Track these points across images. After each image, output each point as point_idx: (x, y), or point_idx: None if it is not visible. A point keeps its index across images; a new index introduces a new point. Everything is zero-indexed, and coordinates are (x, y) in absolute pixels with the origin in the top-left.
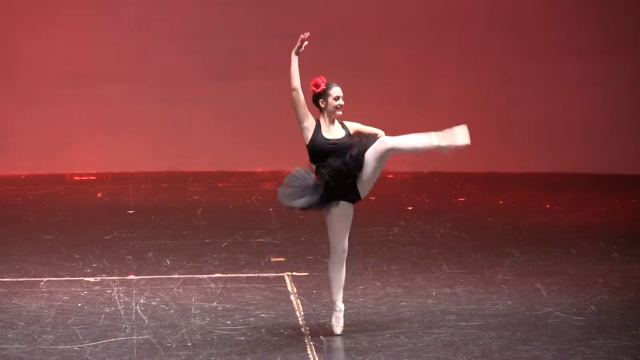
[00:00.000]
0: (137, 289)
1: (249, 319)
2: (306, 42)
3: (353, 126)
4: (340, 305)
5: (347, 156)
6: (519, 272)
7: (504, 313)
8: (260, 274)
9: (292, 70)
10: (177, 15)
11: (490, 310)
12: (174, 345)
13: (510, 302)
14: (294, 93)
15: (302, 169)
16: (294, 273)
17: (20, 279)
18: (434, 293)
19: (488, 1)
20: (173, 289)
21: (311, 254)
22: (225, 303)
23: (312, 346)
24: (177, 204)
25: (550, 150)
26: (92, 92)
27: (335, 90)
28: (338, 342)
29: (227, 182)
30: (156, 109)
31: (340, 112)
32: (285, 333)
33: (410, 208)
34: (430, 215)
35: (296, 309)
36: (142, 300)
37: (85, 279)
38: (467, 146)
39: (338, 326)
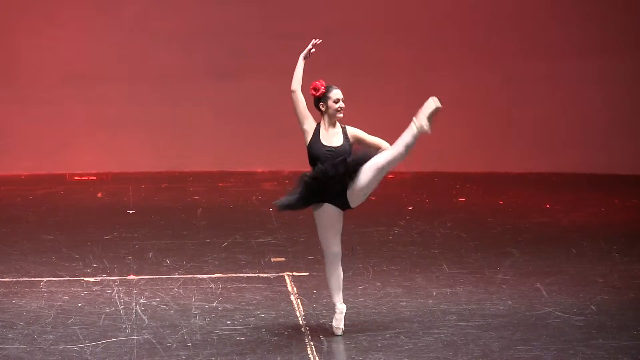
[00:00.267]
0: (137, 289)
1: (249, 319)
2: (313, 50)
3: (355, 133)
4: (340, 307)
5: (339, 160)
6: (519, 272)
7: (504, 313)
8: (261, 274)
9: (295, 72)
10: (177, 15)
11: (490, 310)
12: (174, 345)
13: (510, 302)
14: (292, 95)
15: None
16: (294, 273)
17: (21, 279)
18: (434, 293)
19: (488, 1)
20: (173, 289)
21: (311, 254)
22: (226, 303)
23: (312, 346)
24: (177, 204)
25: (550, 150)
26: (92, 92)
27: (335, 93)
28: (338, 342)
29: (227, 182)
30: (156, 109)
31: (341, 115)
32: (286, 333)
33: (410, 208)
34: (430, 215)
35: (296, 309)
36: (142, 300)
37: (86, 279)
38: (439, 109)
39: (338, 328)
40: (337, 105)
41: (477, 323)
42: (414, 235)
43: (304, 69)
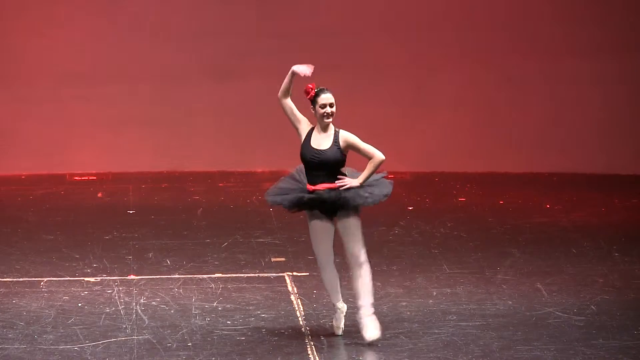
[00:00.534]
0: (138, 289)
1: (250, 319)
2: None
3: (348, 139)
4: (340, 306)
5: (330, 194)
6: (520, 272)
7: (504, 313)
8: (261, 274)
9: (284, 82)
10: (177, 15)
11: (490, 310)
12: (174, 345)
13: (510, 302)
14: (279, 103)
15: (298, 170)
16: (295, 273)
17: (21, 279)
18: (435, 293)
19: (488, 1)
20: (173, 289)
21: (311, 254)
22: (226, 303)
23: (313, 346)
24: (178, 204)
25: (550, 150)
26: (92, 92)
27: (323, 98)
28: (338, 342)
29: (227, 182)
30: (156, 108)
31: (329, 120)
32: (286, 333)
33: (410, 208)
34: (430, 215)
35: (296, 309)
36: (142, 300)
37: (86, 279)
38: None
39: (339, 327)
40: (322, 111)
41: (477, 323)
42: (414, 235)
43: (293, 80)
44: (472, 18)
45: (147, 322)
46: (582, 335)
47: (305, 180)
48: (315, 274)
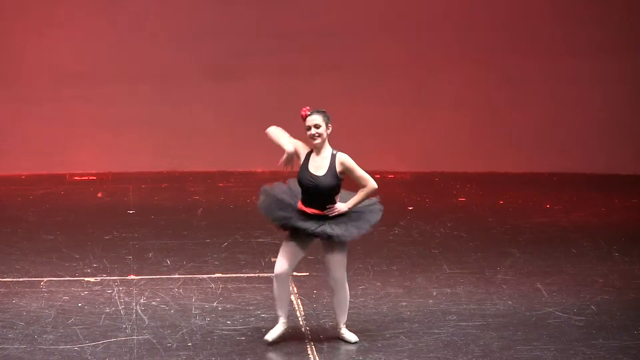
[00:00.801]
0: (138, 289)
1: (250, 319)
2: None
3: (345, 162)
4: (283, 320)
5: (318, 229)
6: (520, 272)
7: (504, 313)
8: (261, 274)
9: (277, 134)
10: (177, 15)
11: (490, 310)
12: (174, 345)
13: (510, 302)
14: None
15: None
16: (295, 273)
17: (21, 279)
18: (435, 293)
19: (488, 1)
20: (173, 289)
21: (311, 253)
22: (226, 303)
23: (313, 346)
24: (178, 203)
25: (550, 150)
26: (92, 92)
27: (308, 120)
28: (338, 342)
29: (227, 182)
30: (156, 108)
31: (316, 141)
32: (286, 333)
33: (410, 208)
34: (430, 215)
35: (297, 309)
36: (142, 300)
37: (86, 279)
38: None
39: (272, 336)
40: (308, 133)
41: (477, 323)
42: (414, 235)
43: (278, 136)
44: (472, 18)
45: (147, 322)
46: (582, 335)
47: (299, 196)
48: (315, 273)
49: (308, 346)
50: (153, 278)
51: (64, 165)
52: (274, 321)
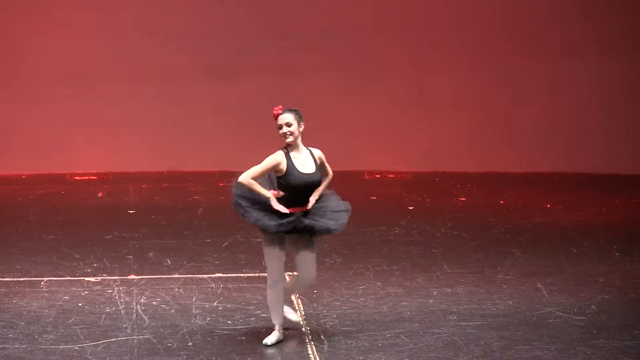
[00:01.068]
0: (138, 288)
1: (250, 318)
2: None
3: (322, 156)
4: (279, 328)
5: (311, 222)
6: (520, 271)
7: (504, 313)
8: (261, 274)
9: (255, 183)
10: (177, 15)
11: (491, 310)
12: (175, 345)
13: (511, 302)
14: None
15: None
16: (295, 273)
17: (21, 279)
18: (435, 293)
19: (488, 1)
20: (174, 288)
21: None
22: (226, 303)
23: (313, 346)
24: (178, 203)
25: (550, 150)
26: (92, 92)
27: (279, 119)
28: (339, 342)
29: (228, 182)
30: (156, 108)
31: (288, 139)
32: (286, 333)
33: (411, 208)
34: (431, 215)
35: (297, 308)
36: (142, 300)
37: (86, 278)
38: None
39: (271, 341)
40: (280, 132)
41: (477, 323)
42: (414, 235)
43: (252, 185)
44: (472, 18)
45: (147, 322)
46: (582, 335)
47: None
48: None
49: (308, 346)
50: (153, 278)
51: (65, 165)
52: None
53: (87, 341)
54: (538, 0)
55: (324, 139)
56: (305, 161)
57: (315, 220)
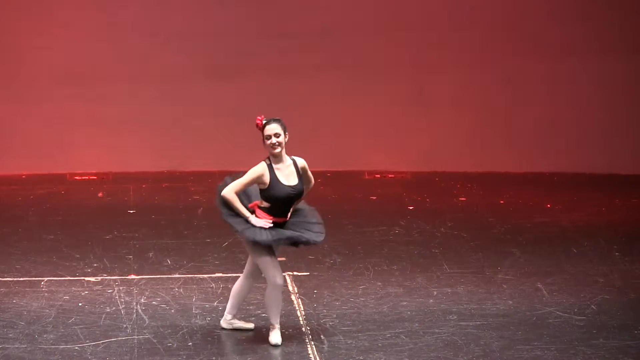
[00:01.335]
0: (138, 288)
1: (250, 319)
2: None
3: (305, 166)
4: (277, 327)
5: (302, 235)
6: (520, 271)
7: (504, 313)
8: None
9: (237, 204)
10: (177, 15)
11: (491, 310)
12: (175, 345)
13: (511, 302)
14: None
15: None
16: (295, 273)
17: (21, 279)
18: (435, 293)
19: (488, 1)
20: (174, 288)
21: (312, 253)
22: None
23: (313, 346)
24: (178, 203)
25: (550, 150)
26: (92, 92)
27: (267, 129)
28: (339, 342)
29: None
30: (156, 108)
31: (277, 150)
32: (286, 333)
33: (411, 208)
34: (431, 215)
35: (297, 308)
36: (142, 300)
37: (86, 278)
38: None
39: (275, 342)
40: (268, 142)
41: (477, 323)
42: (414, 235)
43: (234, 202)
44: (472, 18)
45: (147, 322)
46: (582, 335)
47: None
48: (316, 273)
49: (308, 346)
50: (153, 278)
51: (65, 165)
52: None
53: (87, 341)
54: (538, 0)
55: (324, 139)
56: (287, 172)
57: (310, 233)
